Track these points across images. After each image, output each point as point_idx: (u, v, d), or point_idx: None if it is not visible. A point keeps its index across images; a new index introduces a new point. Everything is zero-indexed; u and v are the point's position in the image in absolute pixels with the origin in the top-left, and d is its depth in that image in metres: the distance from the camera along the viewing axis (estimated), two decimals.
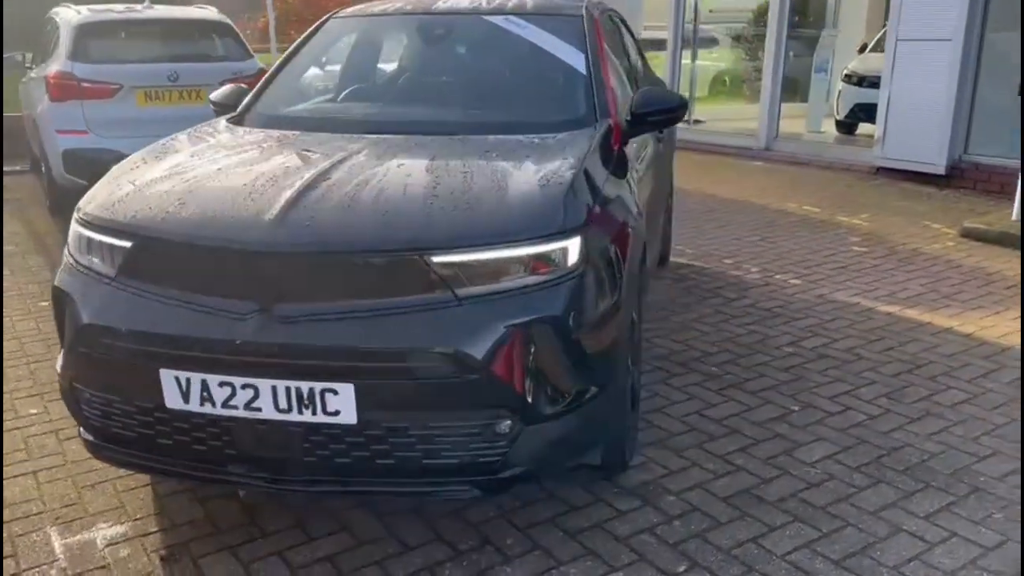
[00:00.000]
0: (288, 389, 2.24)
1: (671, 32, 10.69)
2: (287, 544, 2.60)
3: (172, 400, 2.32)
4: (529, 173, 2.60)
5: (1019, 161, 6.59)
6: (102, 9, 7.00)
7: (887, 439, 3.24)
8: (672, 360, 4.00)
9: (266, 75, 3.71)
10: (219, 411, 2.30)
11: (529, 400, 2.30)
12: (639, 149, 3.60)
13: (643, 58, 5.05)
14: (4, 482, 2.95)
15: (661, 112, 3.30)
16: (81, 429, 2.60)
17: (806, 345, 4.19)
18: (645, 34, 13.00)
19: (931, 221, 6.71)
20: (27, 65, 8.18)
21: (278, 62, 3.76)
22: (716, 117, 11.86)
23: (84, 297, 2.47)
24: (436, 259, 2.26)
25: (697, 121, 11.55)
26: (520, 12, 3.71)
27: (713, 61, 14.32)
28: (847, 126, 10.59)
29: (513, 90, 3.47)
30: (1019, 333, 4.30)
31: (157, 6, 7.33)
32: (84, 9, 6.96)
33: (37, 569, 2.49)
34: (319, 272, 2.29)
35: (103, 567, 2.50)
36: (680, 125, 10.75)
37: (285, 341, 2.23)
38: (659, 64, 11.69)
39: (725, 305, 4.79)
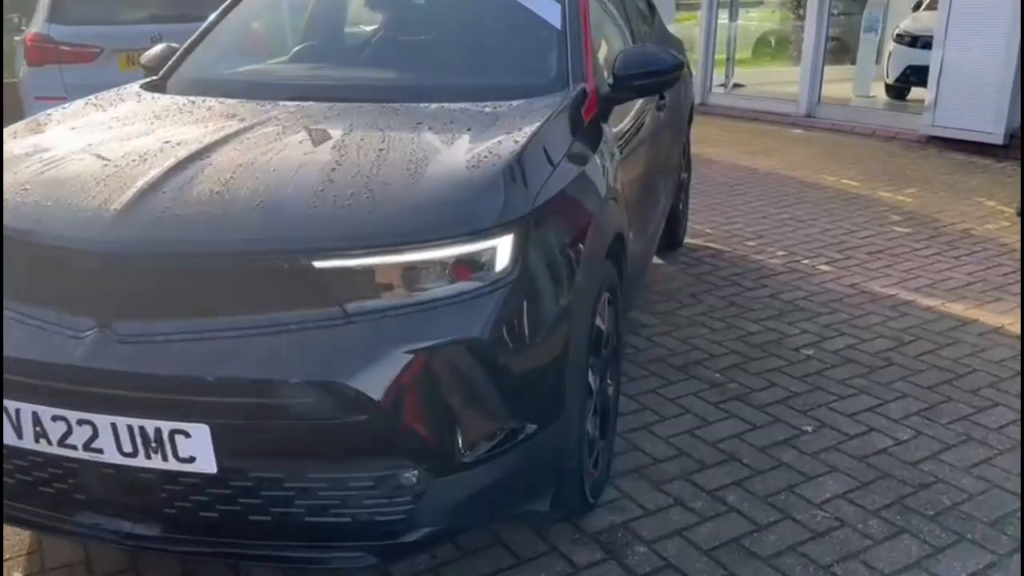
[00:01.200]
0: (131, 428, 1.77)
1: None
2: None
3: (6, 434, 1.87)
4: (459, 152, 2.08)
5: None
6: None
7: (915, 472, 2.68)
8: (670, 363, 3.46)
9: (196, 32, 3.21)
10: (56, 451, 1.85)
11: (439, 446, 1.81)
12: (629, 121, 3.04)
13: (653, 13, 4.44)
14: None
15: (648, 75, 2.73)
16: None
17: (828, 347, 3.61)
18: None
19: (985, 197, 6.00)
20: (21, 28, 7.82)
21: (212, 17, 3.26)
22: (759, 81, 11.09)
23: None
24: (319, 264, 1.77)
25: (737, 85, 10.82)
26: None
27: (757, 21, 13.46)
28: (897, 90, 9.76)
29: (473, 50, 2.93)
30: None
31: None
32: None
33: None
34: (169, 280, 1.80)
35: None
36: (717, 90, 10.34)
37: (125, 368, 1.76)
38: (694, 24, 10.98)
39: (740, 296, 4.22)
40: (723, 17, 10.37)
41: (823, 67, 8.92)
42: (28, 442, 1.85)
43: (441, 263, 1.81)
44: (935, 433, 2.91)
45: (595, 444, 2.41)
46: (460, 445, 1.83)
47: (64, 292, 1.84)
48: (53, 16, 6.16)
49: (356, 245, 1.78)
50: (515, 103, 2.43)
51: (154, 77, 3.04)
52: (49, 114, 2.61)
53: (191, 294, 1.79)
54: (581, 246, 2.13)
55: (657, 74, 2.75)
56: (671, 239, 4.75)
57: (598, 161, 2.47)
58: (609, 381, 2.61)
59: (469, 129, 2.23)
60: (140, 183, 1.92)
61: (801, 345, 3.64)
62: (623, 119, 2.95)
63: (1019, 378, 3.31)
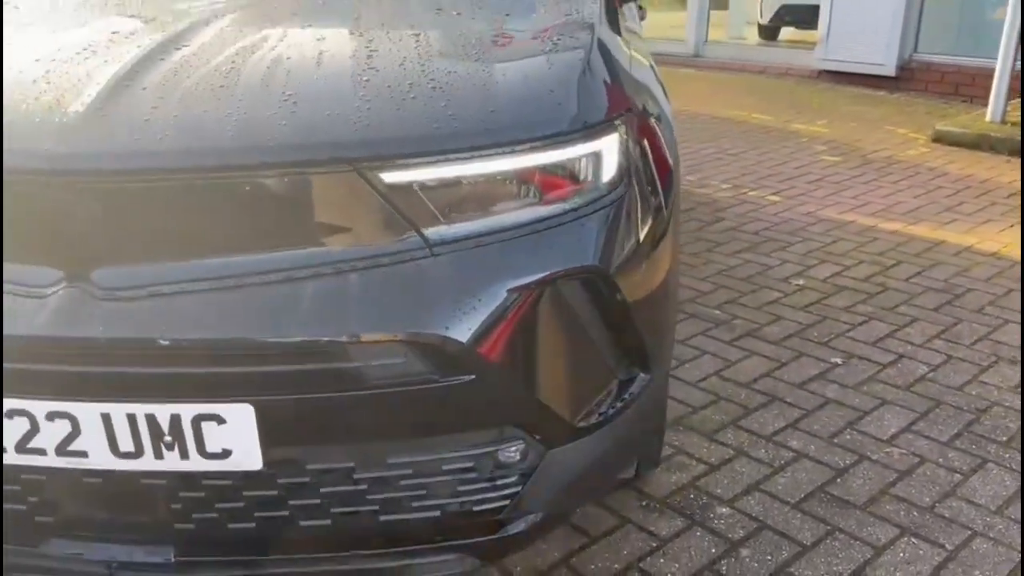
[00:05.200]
0: (132, 419, 1.25)
1: None
2: None
3: None
4: (520, 35, 1.63)
5: (974, 60, 6.03)
6: None
7: (967, 398, 2.49)
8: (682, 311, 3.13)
9: None
10: (15, 459, 1.29)
11: (555, 409, 1.38)
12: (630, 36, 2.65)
13: None
14: None
15: None
16: None
17: (816, 275, 3.40)
18: None
19: (894, 126, 6.03)
20: None
21: None
22: (652, 24, 10.88)
23: None
24: (389, 177, 1.28)
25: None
26: None
27: None
28: (771, 31, 9.82)
29: None
30: None
31: None
32: None
33: None
34: (170, 209, 1.27)
35: None
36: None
37: (118, 333, 1.23)
38: None
39: (702, 230, 3.96)
40: None
41: (709, 7, 8.82)
42: None
43: (540, 171, 1.37)
44: (964, 355, 2.74)
45: None
46: (581, 406, 1.41)
47: (14, 237, 1.27)
48: None
49: (439, 150, 1.30)
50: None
51: None
52: None
53: (208, 226, 1.27)
54: (666, 156, 1.73)
55: None
56: None
57: (643, 57, 2.07)
58: None
59: (512, 8, 1.78)
60: (105, 77, 1.36)
61: (788, 275, 3.41)
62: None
63: (1014, 294, 3.21)
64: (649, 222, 1.54)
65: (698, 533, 1.92)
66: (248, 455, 1.28)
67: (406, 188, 1.29)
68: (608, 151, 1.44)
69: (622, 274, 1.43)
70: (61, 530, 1.38)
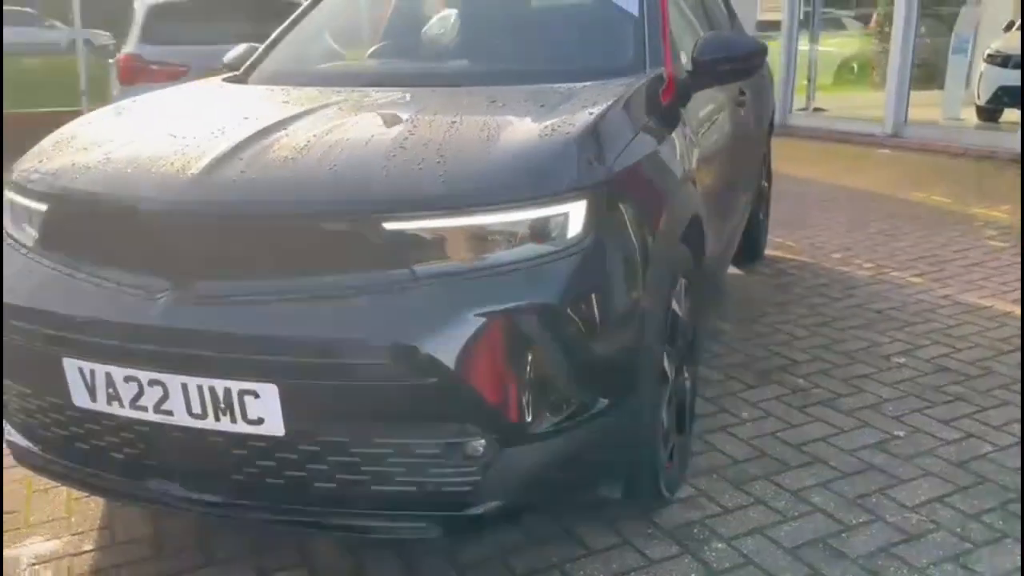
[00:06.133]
0: (201, 389, 1.76)
1: (786, 13, 9.75)
2: None
3: (79, 397, 1.88)
4: (532, 122, 2.04)
5: None
6: None
7: (1018, 478, 2.49)
8: (751, 369, 3.32)
9: (279, 29, 3.27)
10: (128, 412, 1.85)
11: (507, 414, 1.74)
12: (709, 110, 2.97)
13: (733, 18, 4.35)
14: None
15: (730, 60, 2.66)
16: (8, 429, 2.20)
17: (922, 355, 3.42)
18: (763, 16, 12.11)
19: None
20: (115, 52, 8.18)
21: (295, 15, 3.32)
22: (841, 105, 10.82)
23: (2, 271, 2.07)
24: (389, 225, 1.74)
25: (818, 109, 10.59)
26: None
27: (838, 46, 13.17)
28: (989, 112, 9.40)
29: (551, 35, 2.89)
30: None
31: None
32: None
33: None
34: (243, 240, 1.80)
35: None
36: (797, 111, 10.10)
37: (196, 327, 1.76)
38: (774, 49, 10.79)
39: (827, 306, 4.05)
40: (804, 43, 10.19)
41: (909, 86, 8.66)
42: (101, 404, 1.86)
43: (512, 227, 1.77)
44: None
45: (670, 436, 2.30)
46: (529, 414, 1.76)
47: (139, 254, 1.85)
48: (144, 37, 6.42)
49: (426, 207, 1.75)
50: (590, 83, 2.38)
51: (236, 73, 3.10)
52: (134, 99, 2.67)
53: (263, 255, 1.79)
54: (656, 222, 2.05)
55: (739, 59, 2.68)
56: (751, 250, 4.61)
57: (676, 143, 2.39)
58: (686, 375, 2.51)
59: (543, 105, 2.19)
60: (218, 150, 1.93)
61: (892, 353, 3.45)
62: (703, 108, 2.87)
63: None
64: (617, 276, 1.87)
65: (686, 560, 2.15)
66: (275, 424, 1.75)
67: (403, 234, 1.74)
68: (575, 212, 1.80)
69: (575, 313, 1.77)
70: (158, 472, 1.91)
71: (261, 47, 3.20)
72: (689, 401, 2.54)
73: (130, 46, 6.50)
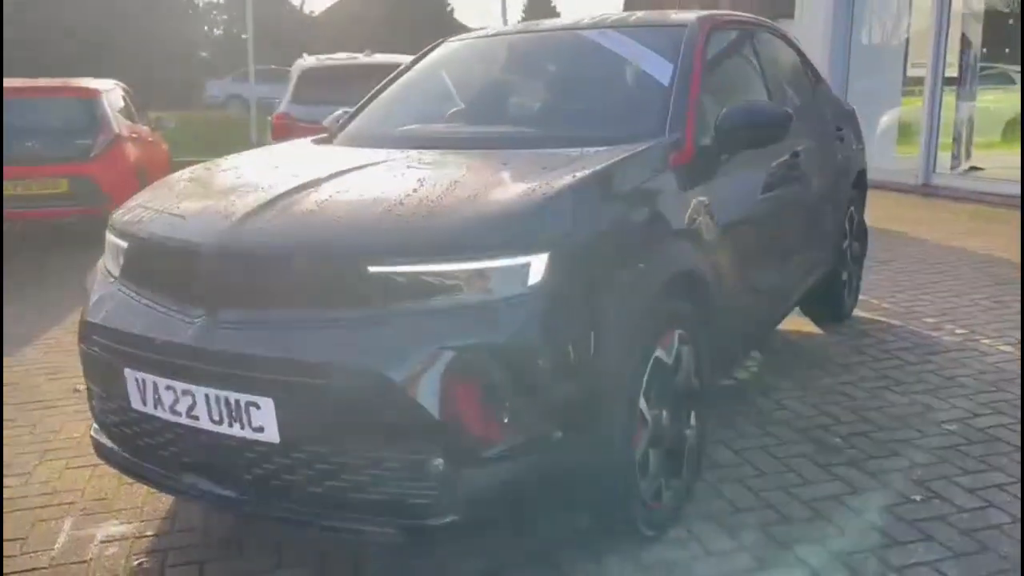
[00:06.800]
0: (219, 399, 2.13)
1: (930, 69, 9.45)
2: (256, 569, 2.47)
3: (136, 401, 2.31)
4: (518, 185, 2.31)
5: None
6: (327, 57, 7.61)
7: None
8: (792, 425, 3.37)
9: (367, 96, 3.72)
10: (168, 416, 2.25)
11: (460, 439, 1.99)
12: (746, 173, 3.11)
13: (816, 79, 4.42)
14: (60, 471, 3.13)
15: (750, 128, 2.83)
16: (93, 427, 2.67)
17: (977, 424, 3.34)
18: (913, 72, 11.72)
19: None
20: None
21: (382, 84, 3.76)
22: (1004, 165, 10.26)
23: (93, 295, 2.56)
24: (372, 269, 2.05)
25: (974, 168, 10.11)
26: (621, 26, 3.41)
27: (1004, 102, 12.49)
28: None
29: (586, 103, 3.16)
30: None
31: (376, 54, 7.83)
32: (313, 58, 7.61)
33: (32, 554, 2.58)
34: (256, 276, 2.17)
35: (84, 562, 2.54)
36: (943, 170, 9.70)
37: (217, 347, 2.13)
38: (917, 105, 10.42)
39: (898, 370, 3.99)
40: (951, 96, 9.82)
41: None
42: (149, 408, 2.27)
43: (477, 274, 2.03)
44: None
45: (655, 477, 2.46)
46: (480, 440, 2.00)
47: (185, 284, 2.26)
48: (295, 98, 7.18)
49: (403, 254, 2.06)
50: (603, 148, 2.62)
51: (324, 135, 3.55)
52: (226, 157, 3.16)
53: (270, 289, 2.15)
54: (624, 275, 2.25)
55: (759, 127, 2.84)
56: (832, 310, 4.60)
57: (674, 203, 2.58)
58: (691, 422, 2.65)
59: (544, 168, 2.45)
60: (258, 202, 2.33)
61: (946, 420, 3.39)
62: (737, 170, 3.01)
63: None
64: (574, 318, 2.09)
65: None
66: (272, 432, 2.08)
67: (384, 276, 2.05)
68: (536, 264, 2.05)
69: (528, 351, 2.01)
70: (189, 468, 2.30)
71: (351, 112, 3.65)
72: (691, 446, 2.67)
73: (283, 105, 7.29)
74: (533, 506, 2.17)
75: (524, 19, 42.84)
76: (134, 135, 8.09)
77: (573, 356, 2.10)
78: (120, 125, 7.78)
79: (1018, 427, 3.31)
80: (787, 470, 3.00)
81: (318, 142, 3.44)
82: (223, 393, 2.12)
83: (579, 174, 2.32)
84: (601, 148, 2.62)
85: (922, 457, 3.07)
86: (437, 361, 1.97)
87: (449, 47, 3.85)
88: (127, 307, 2.40)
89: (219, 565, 2.50)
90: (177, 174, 2.97)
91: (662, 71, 3.04)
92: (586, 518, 2.27)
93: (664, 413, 2.48)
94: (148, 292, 2.36)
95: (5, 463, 3.21)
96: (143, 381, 2.26)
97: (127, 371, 2.29)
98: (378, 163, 2.71)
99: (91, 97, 7.72)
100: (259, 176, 2.71)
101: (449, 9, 40.00)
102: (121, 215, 2.63)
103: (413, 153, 2.86)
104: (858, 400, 3.62)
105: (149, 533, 2.69)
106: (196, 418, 2.19)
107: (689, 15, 3.39)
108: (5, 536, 2.68)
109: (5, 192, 7.06)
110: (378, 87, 3.75)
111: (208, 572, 2.47)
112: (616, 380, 2.21)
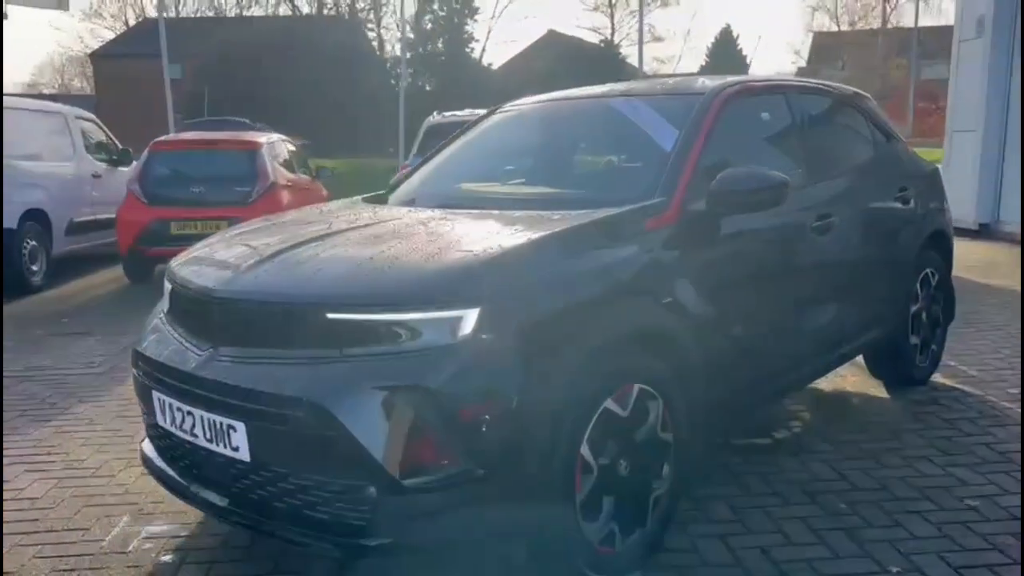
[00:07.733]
0: (211, 421, 2.52)
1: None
2: (255, 572, 2.84)
3: (160, 417, 2.75)
4: (474, 243, 2.58)
5: None
6: (451, 114, 8.17)
7: None
8: (803, 488, 3.37)
9: (423, 159, 4.10)
10: (179, 433, 2.67)
11: (385, 470, 2.26)
12: (750, 236, 3.20)
13: (875, 141, 4.36)
14: (136, 476, 3.66)
15: (741, 192, 2.95)
16: (143, 440, 3.15)
17: (1003, 502, 3.20)
18: None
19: None
20: None
21: (439, 147, 4.14)
22: None
23: (146, 329, 3.05)
24: (330, 315, 2.38)
25: None
26: (647, 94, 3.61)
27: None
28: None
29: (589, 168, 3.38)
30: None
31: None
32: (440, 114, 8.20)
33: (87, 543, 3.08)
34: (249, 319, 2.55)
35: (123, 553, 3.00)
36: None
37: (211, 376, 2.52)
38: None
39: (951, 440, 3.85)
40: None
41: None
42: (168, 424, 2.71)
43: (415, 324, 2.32)
44: None
45: (606, 522, 2.60)
46: (402, 473, 2.26)
47: (201, 323, 2.68)
48: (420, 151, 7.76)
49: (355, 304, 2.38)
50: (584, 211, 2.83)
51: (379, 193, 3.96)
52: (280, 213, 3.62)
53: (250, 330, 2.53)
54: (567, 331, 2.44)
55: (750, 192, 2.95)
56: (900, 374, 4.48)
57: (640, 263, 2.74)
58: (663, 473, 2.77)
59: (516, 227, 2.70)
60: (264, 255, 2.74)
61: (970, 496, 3.27)
62: (741, 234, 3.13)
63: None
64: (502, 367, 2.32)
65: None
66: (245, 452, 2.45)
67: (338, 322, 2.37)
68: (468, 317, 2.31)
69: (453, 394, 2.26)
70: (196, 478, 2.70)
71: (406, 173, 4.05)
72: (658, 497, 2.78)
73: (409, 158, 7.89)
74: (460, 533, 2.39)
75: (705, 65, 42.53)
76: (289, 183, 8.98)
77: (498, 401, 2.32)
78: (277, 174, 8.67)
79: None
80: (775, 531, 3.03)
81: (369, 201, 3.83)
82: (212, 416, 2.51)
83: (532, 235, 2.56)
84: (583, 211, 2.84)
85: (925, 530, 3.00)
86: (372, 399, 2.27)
87: (496, 114, 4.18)
88: (163, 340, 2.86)
89: (225, 567, 2.88)
90: (230, 228, 3.46)
91: (667, 137, 3.21)
92: (522, 553, 2.46)
93: (622, 463, 2.63)
94: (180, 328, 2.80)
95: (100, 465, 3.78)
96: (163, 401, 2.70)
97: (154, 393, 2.74)
98: (387, 221, 3.06)
99: (253, 149, 8.66)
100: (287, 231, 3.14)
101: (622, 57, 40.58)
102: (174, 262, 3.12)
103: (426, 213, 3.19)
104: (888, 468, 3.55)
105: (183, 535, 3.12)
106: (196, 436, 2.59)
107: (717, 82, 3.53)
108: (76, 526, 3.20)
109: (172, 232, 8.07)
110: (434, 150, 4.13)
111: (213, 572, 2.86)
112: (549, 426, 2.39)
